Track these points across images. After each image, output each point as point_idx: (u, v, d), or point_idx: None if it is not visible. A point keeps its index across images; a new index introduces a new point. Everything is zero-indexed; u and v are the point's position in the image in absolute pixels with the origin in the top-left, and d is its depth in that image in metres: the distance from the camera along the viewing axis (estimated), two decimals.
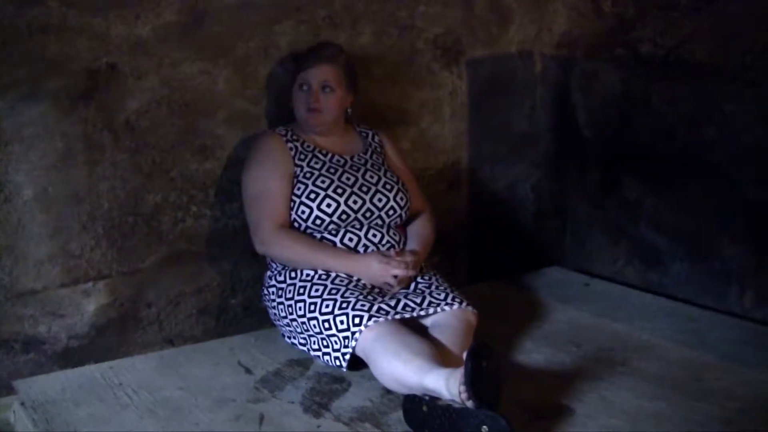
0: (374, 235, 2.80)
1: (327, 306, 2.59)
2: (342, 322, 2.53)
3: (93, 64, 2.70)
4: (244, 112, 2.99)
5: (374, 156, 2.98)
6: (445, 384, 2.20)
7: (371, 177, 2.87)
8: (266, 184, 2.80)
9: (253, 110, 3.01)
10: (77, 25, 2.66)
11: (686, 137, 3.23)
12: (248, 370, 2.67)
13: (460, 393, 2.12)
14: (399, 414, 2.31)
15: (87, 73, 2.70)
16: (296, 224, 2.79)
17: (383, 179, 2.89)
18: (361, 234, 2.79)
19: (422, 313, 2.61)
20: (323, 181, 2.80)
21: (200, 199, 2.95)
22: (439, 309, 2.63)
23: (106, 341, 2.84)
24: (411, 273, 2.71)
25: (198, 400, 2.48)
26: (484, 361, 2.15)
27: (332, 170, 2.84)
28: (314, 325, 2.62)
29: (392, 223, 2.88)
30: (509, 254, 3.69)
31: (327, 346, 2.60)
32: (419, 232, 2.95)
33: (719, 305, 3.16)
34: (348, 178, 2.83)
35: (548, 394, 2.45)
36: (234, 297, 3.06)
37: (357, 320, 2.50)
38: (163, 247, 2.91)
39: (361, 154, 2.96)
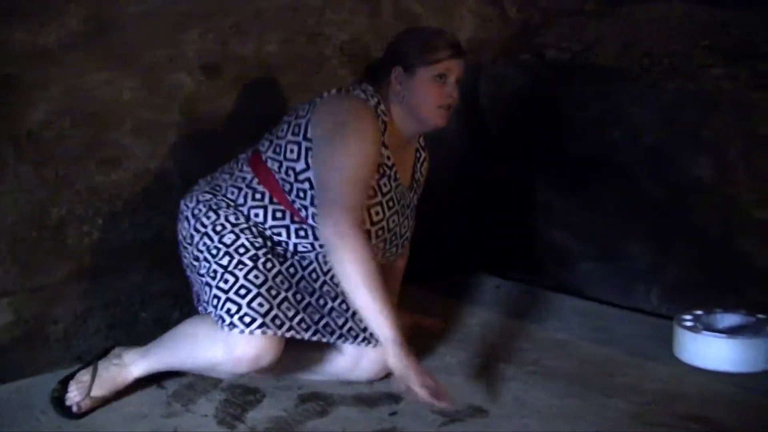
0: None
1: (226, 282, 2.37)
2: (235, 303, 2.32)
3: None
4: (151, 122, 2.94)
5: (418, 178, 2.79)
6: None
7: (409, 201, 2.67)
8: (365, 172, 2.38)
9: (160, 120, 2.95)
10: None
11: (593, 139, 3.30)
12: (160, 385, 2.63)
13: None
14: (314, 423, 2.31)
15: None
16: None
17: (413, 206, 2.70)
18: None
19: (333, 341, 2.46)
20: (385, 185, 2.51)
21: (107, 211, 2.88)
22: (348, 343, 2.48)
23: (11, 361, 2.74)
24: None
25: (110, 416, 2.43)
26: None
27: (391, 178, 2.56)
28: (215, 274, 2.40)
29: (398, 253, 2.69)
30: (422, 259, 3.71)
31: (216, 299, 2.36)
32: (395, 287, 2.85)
33: (627, 302, 3.25)
34: (400, 192, 2.59)
35: (462, 397, 2.46)
36: (144, 310, 3.00)
37: (247, 319, 2.28)
38: (70, 261, 2.83)
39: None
